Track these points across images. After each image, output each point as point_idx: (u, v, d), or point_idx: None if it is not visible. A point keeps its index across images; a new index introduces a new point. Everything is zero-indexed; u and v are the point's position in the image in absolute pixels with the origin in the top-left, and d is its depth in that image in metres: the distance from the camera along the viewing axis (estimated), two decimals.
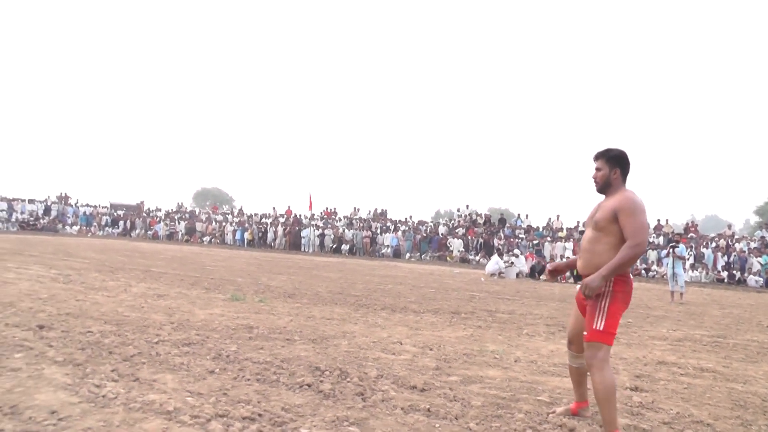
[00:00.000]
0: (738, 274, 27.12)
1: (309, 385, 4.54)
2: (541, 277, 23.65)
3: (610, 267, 3.63)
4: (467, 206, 40.45)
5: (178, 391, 4.13)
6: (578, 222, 34.01)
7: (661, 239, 30.72)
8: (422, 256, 33.49)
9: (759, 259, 27.34)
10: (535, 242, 31.97)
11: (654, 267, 28.28)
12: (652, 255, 28.87)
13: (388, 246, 34.63)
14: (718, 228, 46.59)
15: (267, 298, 10.11)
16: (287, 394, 4.29)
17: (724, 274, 27.22)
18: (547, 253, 30.18)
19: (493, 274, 22.81)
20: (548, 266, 4.34)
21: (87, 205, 46.11)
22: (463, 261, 31.85)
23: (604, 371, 3.69)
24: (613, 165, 3.94)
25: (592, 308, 3.76)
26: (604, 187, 3.97)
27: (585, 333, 3.82)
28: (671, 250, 16.07)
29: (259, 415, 3.71)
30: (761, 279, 26.28)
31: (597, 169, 4.00)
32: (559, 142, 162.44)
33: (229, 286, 11.78)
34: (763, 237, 30.89)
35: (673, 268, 15.59)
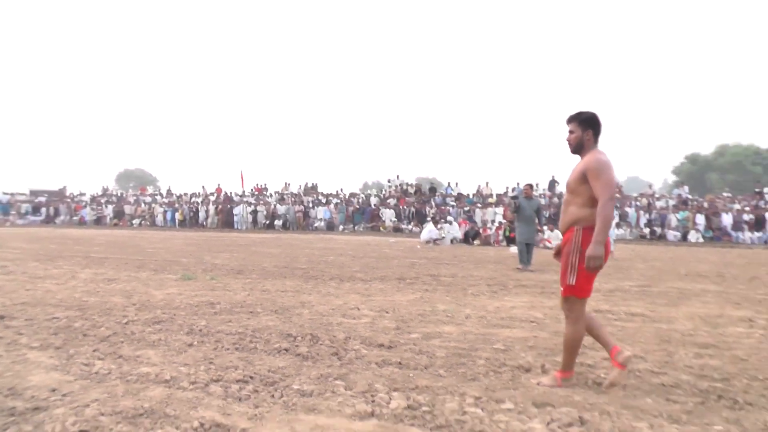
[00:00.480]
0: (659, 230, 28.91)
1: (286, 350, 4.89)
2: (474, 242, 24.48)
3: (598, 232, 3.87)
4: (397, 176, 41.00)
5: (166, 364, 4.39)
6: (507, 188, 35.21)
7: None
8: (355, 228, 33.92)
9: (677, 215, 29.30)
10: (466, 209, 32.89)
11: None
12: None
13: (321, 219, 34.88)
14: (639, 188, 49.02)
15: (217, 276, 10.29)
16: (269, 358, 4.63)
17: (646, 230, 28.96)
18: (478, 218, 31.16)
19: (428, 242, 23.46)
20: (554, 251, 4.44)
21: (4, 193, 44.25)
22: (396, 230, 32.48)
23: (577, 324, 4.11)
24: (585, 127, 4.14)
25: (564, 266, 4.10)
26: (578, 148, 4.19)
27: (561, 288, 4.17)
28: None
29: (251, 377, 4.03)
30: (678, 233, 28.22)
31: (570, 132, 4.21)
32: (482, 110, 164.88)
33: (175, 267, 11.85)
34: (679, 195, 32.94)
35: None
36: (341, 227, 34.17)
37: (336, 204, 36.29)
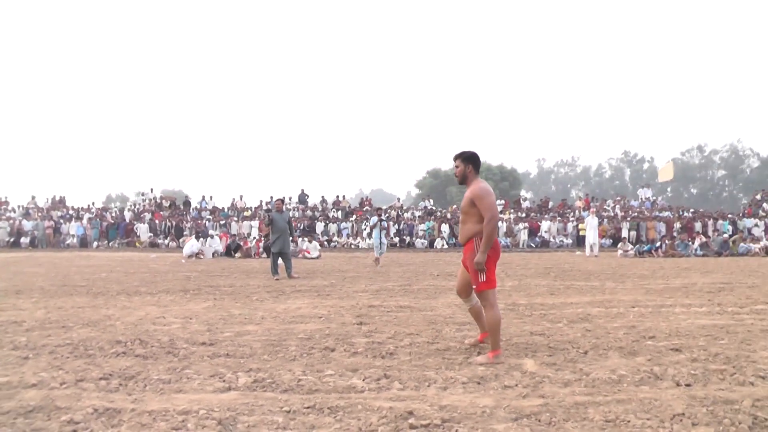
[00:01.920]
0: (408, 239, 32.36)
1: (124, 353, 5.57)
2: (236, 255, 25.30)
3: (483, 244, 5.27)
4: (151, 190, 40.20)
5: (18, 373, 4.82)
6: (261, 201, 36.57)
7: (340, 213, 34.85)
8: (110, 244, 32.64)
9: (422, 225, 33.18)
10: (221, 222, 33.48)
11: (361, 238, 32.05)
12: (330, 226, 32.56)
13: (73, 235, 32.95)
14: (385, 200, 53.45)
15: None
16: (113, 360, 5.29)
17: (396, 239, 32.11)
18: (234, 231, 31.96)
19: (191, 256, 23.78)
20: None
21: None
22: (153, 245, 31.96)
23: (494, 309, 5.40)
24: (467, 162, 5.49)
25: (474, 270, 5.38)
26: (463, 179, 5.56)
27: (474, 286, 5.46)
28: (380, 222, 18.80)
29: (110, 374, 4.72)
30: (425, 241, 31.99)
31: (456, 167, 5.57)
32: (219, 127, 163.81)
33: None
34: (425, 206, 36.93)
35: (380, 237, 18.39)
36: (95, 243, 32.62)
37: (89, 219, 34.53)
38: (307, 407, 3.96)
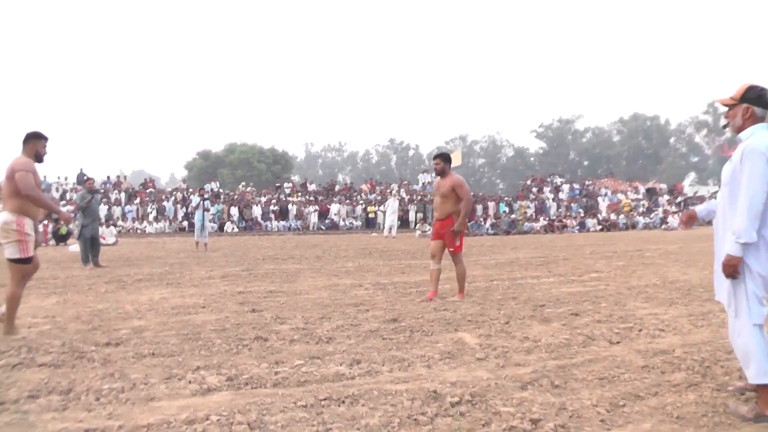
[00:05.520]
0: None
1: (23, 364, 4.50)
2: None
3: (462, 217, 7.39)
4: None
5: None
6: (44, 177, 32.73)
7: (123, 195, 32.24)
8: None
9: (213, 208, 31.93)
10: None
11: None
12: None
13: None
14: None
15: None
16: (20, 374, 4.23)
17: (185, 223, 30.41)
18: None
19: None
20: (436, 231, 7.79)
21: None
22: None
23: (463, 264, 7.69)
24: (446, 161, 7.70)
25: (451, 237, 7.46)
26: (442, 173, 7.65)
27: (451, 249, 7.51)
28: (202, 202, 17.53)
29: (36, 391, 3.80)
30: (215, 225, 30.79)
31: (437, 164, 7.65)
32: None
33: None
34: (212, 189, 35.38)
35: (203, 220, 17.19)
36: None
37: None
38: (323, 399, 3.66)
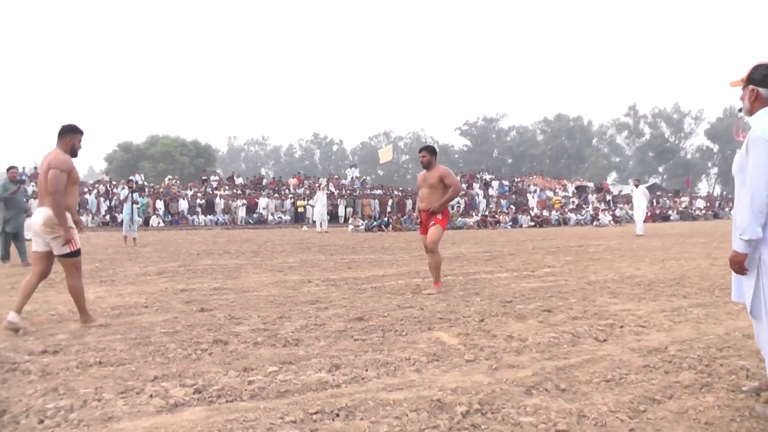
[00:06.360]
0: (119, 216, 29.51)
1: None
2: None
3: (443, 201, 7.48)
4: None
5: None
6: None
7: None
8: None
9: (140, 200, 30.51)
10: None
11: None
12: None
13: None
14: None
15: None
16: None
17: (108, 217, 29.03)
18: None
19: None
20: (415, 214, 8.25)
21: None
22: None
23: (437, 253, 7.63)
24: (432, 154, 7.71)
25: (435, 226, 7.51)
26: (428, 165, 7.65)
27: (433, 223, 7.48)
28: (131, 195, 16.51)
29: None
30: (140, 219, 29.36)
31: (423, 156, 7.68)
32: None
33: None
34: (136, 181, 33.78)
35: (131, 213, 16.19)
36: None
37: None
38: (314, 413, 3.19)
